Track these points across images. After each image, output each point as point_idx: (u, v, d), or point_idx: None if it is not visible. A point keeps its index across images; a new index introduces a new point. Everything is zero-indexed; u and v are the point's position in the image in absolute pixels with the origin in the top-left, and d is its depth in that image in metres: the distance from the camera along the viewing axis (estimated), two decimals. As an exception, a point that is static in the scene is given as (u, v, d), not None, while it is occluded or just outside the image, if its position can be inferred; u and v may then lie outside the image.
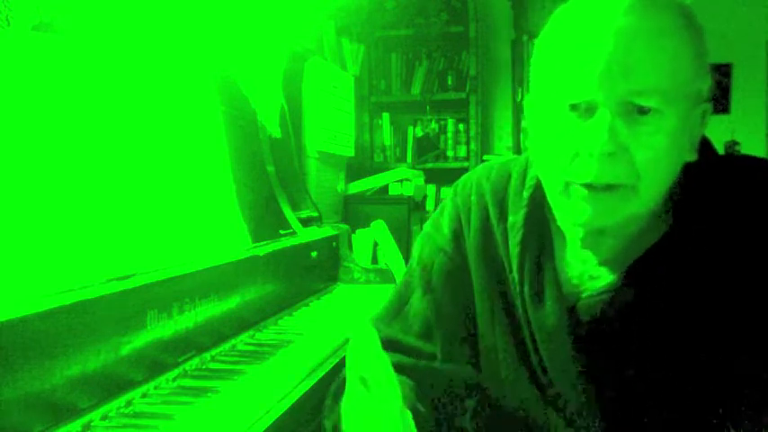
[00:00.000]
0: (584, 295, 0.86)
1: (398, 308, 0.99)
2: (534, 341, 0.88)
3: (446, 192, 2.37)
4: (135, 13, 1.31)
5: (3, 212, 0.88)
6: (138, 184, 1.15)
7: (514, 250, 0.90)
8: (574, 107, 0.76)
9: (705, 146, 0.83)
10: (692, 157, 0.80)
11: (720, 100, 4.04)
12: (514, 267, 0.90)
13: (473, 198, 0.97)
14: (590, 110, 0.75)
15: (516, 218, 0.91)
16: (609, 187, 0.76)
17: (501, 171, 0.97)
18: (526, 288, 0.88)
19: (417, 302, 0.97)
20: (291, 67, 2.08)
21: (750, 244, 0.78)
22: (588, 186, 0.76)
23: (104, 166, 1.09)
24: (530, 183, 0.91)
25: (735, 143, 3.88)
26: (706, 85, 0.79)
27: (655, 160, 0.75)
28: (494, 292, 0.93)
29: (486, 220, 0.95)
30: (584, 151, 0.75)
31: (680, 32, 0.75)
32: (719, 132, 3.87)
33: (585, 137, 0.75)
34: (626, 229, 0.81)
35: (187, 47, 1.46)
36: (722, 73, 4.02)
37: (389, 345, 0.93)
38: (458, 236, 0.97)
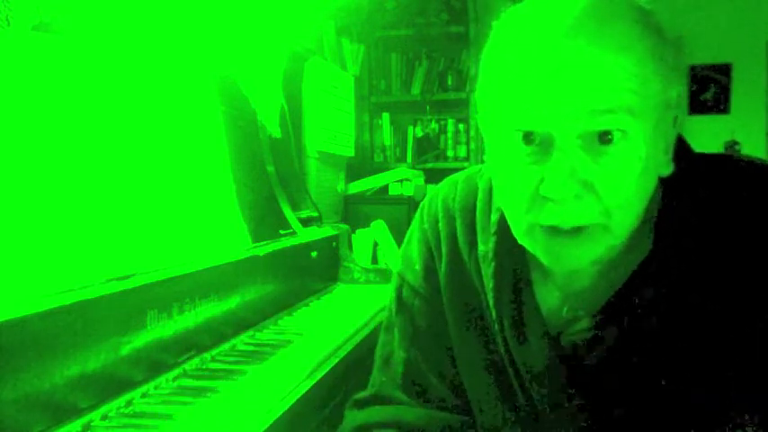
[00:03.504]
0: (568, 329, 0.80)
1: (386, 357, 0.93)
2: (520, 377, 0.83)
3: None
4: (135, 14, 1.31)
5: (3, 212, 0.88)
6: (137, 184, 1.15)
7: (489, 284, 0.83)
8: (527, 139, 0.69)
9: (681, 149, 0.76)
10: (667, 169, 0.74)
11: (720, 100, 4.05)
12: (491, 302, 0.83)
13: (440, 225, 0.89)
14: (545, 144, 0.68)
15: (487, 247, 0.83)
16: (576, 230, 0.69)
17: (467, 188, 0.90)
18: (506, 324, 0.82)
19: (400, 353, 0.91)
20: (291, 67, 2.08)
21: (737, 254, 0.73)
22: (553, 230, 0.69)
23: (104, 166, 1.09)
24: (497, 205, 0.83)
25: (735, 143, 3.88)
26: (676, 90, 0.72)
27: (624, 193, 0.68)
28: (471, 328, 0.87)
29: (456, 250, 0.88)
30: (544, 193, 0.68)
31: (640, 43, 0.67)
32: (719, 132, 3.88)
33: (545, 179, 0.67)
34: (602, 261, 0.75)
35: (187, 47, 1.46)
36: (722, 73, 4.03)
37: (381, 399, 0.91)
38: (430, 271, 0.90)
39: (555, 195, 0.67)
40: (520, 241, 0.76)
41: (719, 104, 4.05)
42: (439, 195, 0.93)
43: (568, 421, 0.80)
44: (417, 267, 0.92)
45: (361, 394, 0.94)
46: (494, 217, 0.84)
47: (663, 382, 0.76)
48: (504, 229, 0.80)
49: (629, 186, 0.68)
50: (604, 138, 0.67)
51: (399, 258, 0.96)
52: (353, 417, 0.92)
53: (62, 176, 0.99)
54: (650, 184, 0.72)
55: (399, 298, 0.93)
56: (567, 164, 0.66)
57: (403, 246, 0.97)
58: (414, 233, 0.95)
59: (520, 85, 0.68)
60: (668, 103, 0.71)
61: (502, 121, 0.72)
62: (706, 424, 0.75)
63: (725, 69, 4.02)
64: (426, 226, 0.92)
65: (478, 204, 0.87)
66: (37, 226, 0.92)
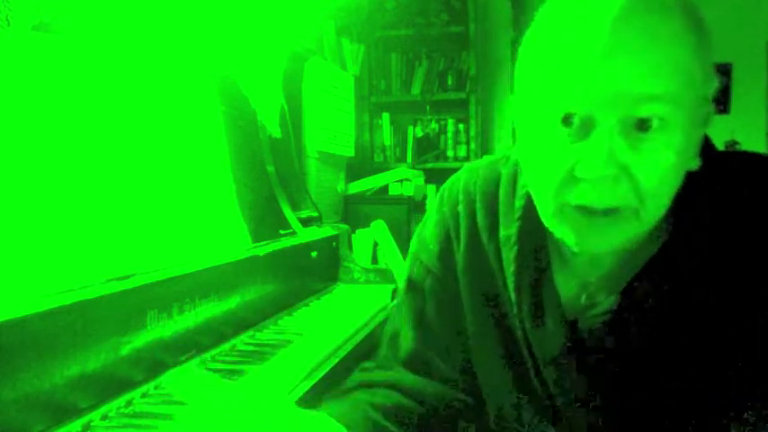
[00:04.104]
0: (585, 314, 0.81)
1: (393, 335, 0.94)
2: (535, 362, 0.84)
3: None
4: (135, 14, 1.31)
5: (3, 212, 0.88)
6: (137, 184, 1.15)
7: (509, 268, 0.84)
8: (566, 121, 0.69)
9: (704, 146, 0.77)
10: (695, 164, 0.74)
11: (720, 100, 4.05)
12: (510, 286, 0.84)
13: (460, 208, 0.90)
14: (585, 126, 0.68)
15: (509, 232, 0.84)
16: (608, 211, 0.69)
17: (489, 173, 0.90)
18: (524, 307, 0.83)
19: (407, 332, 0.92)
20: (291, 67, 2.08)
21: (752, 246, 0.74)
22: (584, 210, 0.70)
23: (104, 166, 1.09)
24: (522, 190, 0.84)
25: (735, 143, 3.88)
26: (712, 88, 0.73)
27: (659, 181, 0.68)
28: (487, 311, 0.87)
29: (475, 233, 0.88)
30: (580, 174, 0.68)
31: (687, 34, 0.68)
32: (719, 132, 3.88)
33: (581, 159, 0.68)
34: (625, 248, 0.76)
35: (187, 47, 1.46)
36: (722, 73, 4.03)
37: (385, 369, 0.92)
38: (446, 252, 0.91)
39: (591, 175, 0.67)
40: (546, 223, 0.76)
41: (719, 104, 4.05)
42: (460, 180, 0.93)
43: (581, 407, 0.82)
44: (432, 248, 0.92)
45: (368, 363, 0.96)
46: (518, 203, 0.84)
47: (676, 370, 0.77)
48: (527, 214, 0.81)
49: (664, 175, 0.69)
50: (643, 125, 0.67)
51: (414, 240, 0.97)
52: (357, 375, 0.93)
53: (62, 176, 0.99)
54: (681, 177, 0.72)
55: (411, 277, 0.94)
56: (606, 145, 0.67)
57: (418, 228, 0.97)
58: (431, 216, 0.95)
59: (566, 67, 0.68)
60: (705, 98, 0.72)
61: (543, 102, 0.71)
62: (712, 415, 0.76)
63: (725, 69, 4.02)
64: (446, 208, 0.92)
65: (501, 190, 0.88)
66: (37, 226, 0.92)
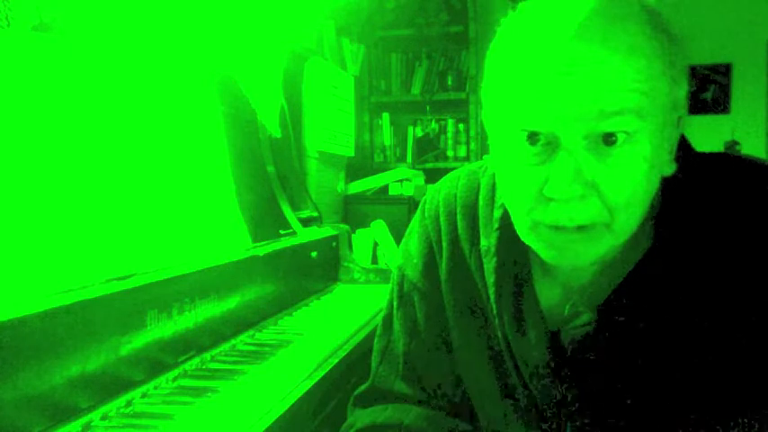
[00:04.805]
0: (568, 324, 0.81)
1: (385, 350, 0.94)
2: (518, 372, 0.83)
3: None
4: (135, 14, 1.31)
5: (3, 212, 0.88)
6: (138, 184, 1.15)
7: (490, 278, 0.83)
8: (532, 139, 0.68)
9: (682, 149, 0.76)
10: (670, 169, 0.73)
11: (720, 100, 4.05)
12: (491, 297, 0.83)
13: (442, 220, 0.90)
14: (551, 145, 0.67)
15: (489, 242, 0.84)
16: (580, 228, 0.69)
17: (469, 183, 0.90)
18: (506, 318, 0.82)
19: (400, 346, 0.92)
20: (291, 67, 2.08)
21: (736, 251, 0.73)
22: (557, 228, 0.70)
23: (104, 166, 1.09)
24: (500, 201, 0.83)
25: (735, 143, 3.88)
26: (682, 91, 0.71)
27: (629, 194, 0.68)
28: (471, 322, 0.87)
29: (457, 244, 0.88)
30: (548, 194, 0.68)
31: (649, 44, 0.67)
32: (719, 132, 3.88)
33: (549, 179, 0.68)
34: (604, 259, 0.76)
35: (187, 47, 1.46)
36: (722, 73, 4.03)
37: (381, 392, 0.92)
38: (430, 266, 0.90)
39: (560, 196, 0.67)
40: (523, 238, 0.76)
41: (719, 104, 4.05)
42: (441, 191, 0.93)
43: (568, 417, 0.81)
44: (416, 262, 0.92)
45: (362, 388, 0.95)
46: (496, 213, 0.84)
47: (660, 380, 0.76)
48: (506, 224, 0.80)
49: (633, 187, 0.68)
50: (608, 139, 0.66)
51: (399, 253, 0.97)
52: (358, 416, 0.92)
53: (62, 176, 1.00)
54: (654, 184, 0.72)
55: (400, 292, 0.94)
56: (572, 165, 0.66)
57: (403, 241, 0.97)
58: (414, 229, 0.95)
59: (527, 85, 0.68)
60: (674, 104, 0.71)
61: (507, 120, 0.71)
62: (703, 423, 0.75)
63: (725, 69, 4.02)
64: (428, 222, 0.92)
65: (481, 200, 0.87)
66: (37, 226, 0.92)
